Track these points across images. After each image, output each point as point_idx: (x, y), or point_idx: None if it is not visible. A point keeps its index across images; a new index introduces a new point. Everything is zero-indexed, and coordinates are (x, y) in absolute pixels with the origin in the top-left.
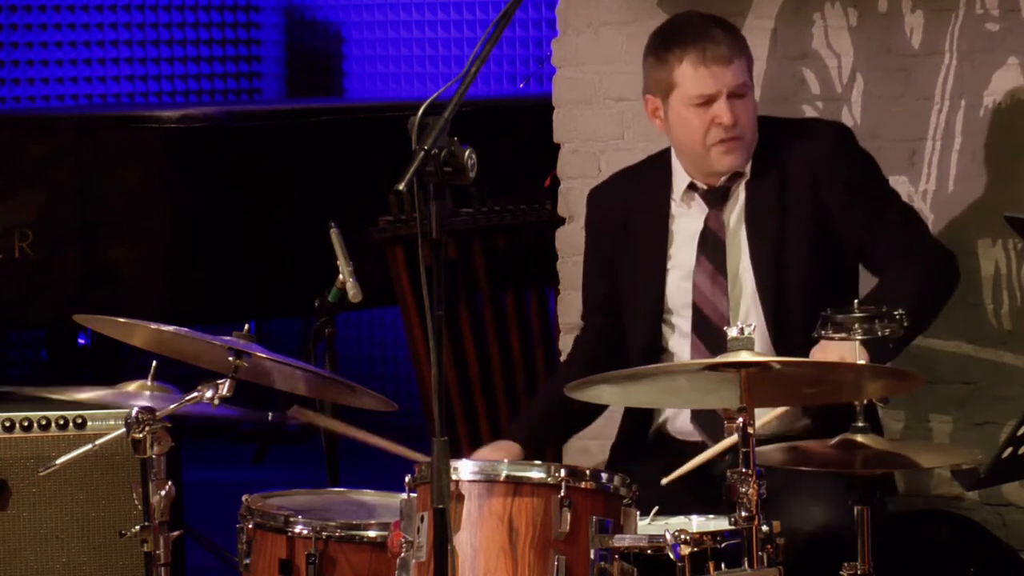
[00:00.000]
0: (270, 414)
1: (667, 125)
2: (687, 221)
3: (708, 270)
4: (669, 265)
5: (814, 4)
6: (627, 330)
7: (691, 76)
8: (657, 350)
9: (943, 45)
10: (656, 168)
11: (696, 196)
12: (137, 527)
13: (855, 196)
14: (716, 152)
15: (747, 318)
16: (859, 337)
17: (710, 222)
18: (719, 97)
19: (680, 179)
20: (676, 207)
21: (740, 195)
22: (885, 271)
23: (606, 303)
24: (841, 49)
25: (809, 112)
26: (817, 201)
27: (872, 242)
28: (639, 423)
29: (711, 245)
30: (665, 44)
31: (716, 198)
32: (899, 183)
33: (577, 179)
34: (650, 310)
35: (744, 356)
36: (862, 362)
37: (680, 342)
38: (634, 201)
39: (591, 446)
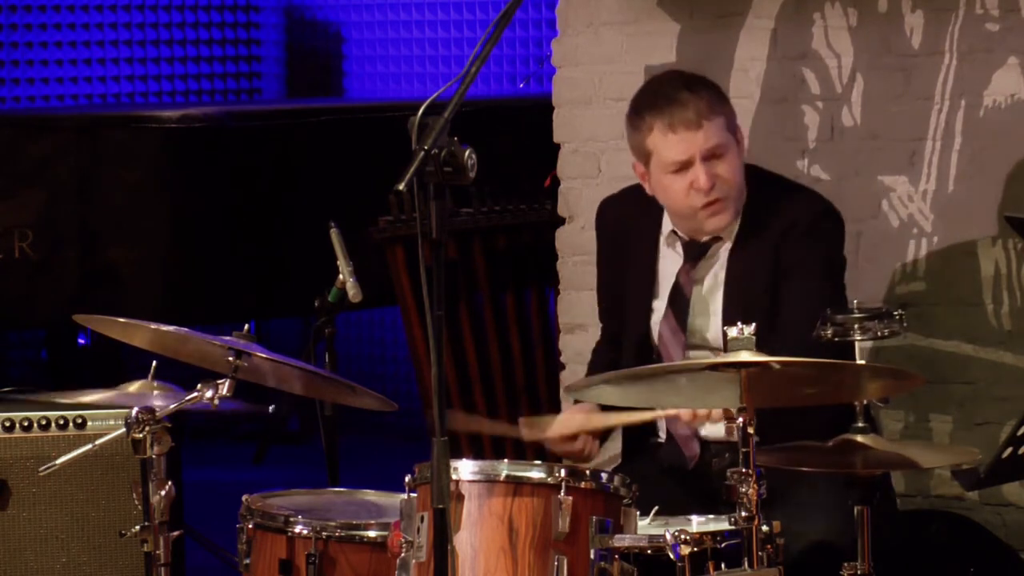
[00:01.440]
0: (271, 407)
1: (653, 190)
2: (670, 265)
3: (671, 324)
4: (654, 305)
5: (814, 4)
6: (623, 348)
7: (662, 143)
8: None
9: (943, 45)
10: (654, 201)
11: (678, 243)
12: (137, 527)
13: (805, 274)
14: (702, 215)
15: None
16: (858, 337)
17: (680, 277)
18: (693, 162)
19: (666, 222)
20: (663, 245)
21: (718, 257)
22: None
23: (616, 310)
24: (841, 49)
25: (809, 112)
26: (775, 262)
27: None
28: (639, 429)
29: (678, 300)
30: (638, 111)
31: (693, 253)
32: (899, 183)
33: (577, 179)
34: (638, 340)
35: (744, 356)
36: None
37: None
38: (635, 224)
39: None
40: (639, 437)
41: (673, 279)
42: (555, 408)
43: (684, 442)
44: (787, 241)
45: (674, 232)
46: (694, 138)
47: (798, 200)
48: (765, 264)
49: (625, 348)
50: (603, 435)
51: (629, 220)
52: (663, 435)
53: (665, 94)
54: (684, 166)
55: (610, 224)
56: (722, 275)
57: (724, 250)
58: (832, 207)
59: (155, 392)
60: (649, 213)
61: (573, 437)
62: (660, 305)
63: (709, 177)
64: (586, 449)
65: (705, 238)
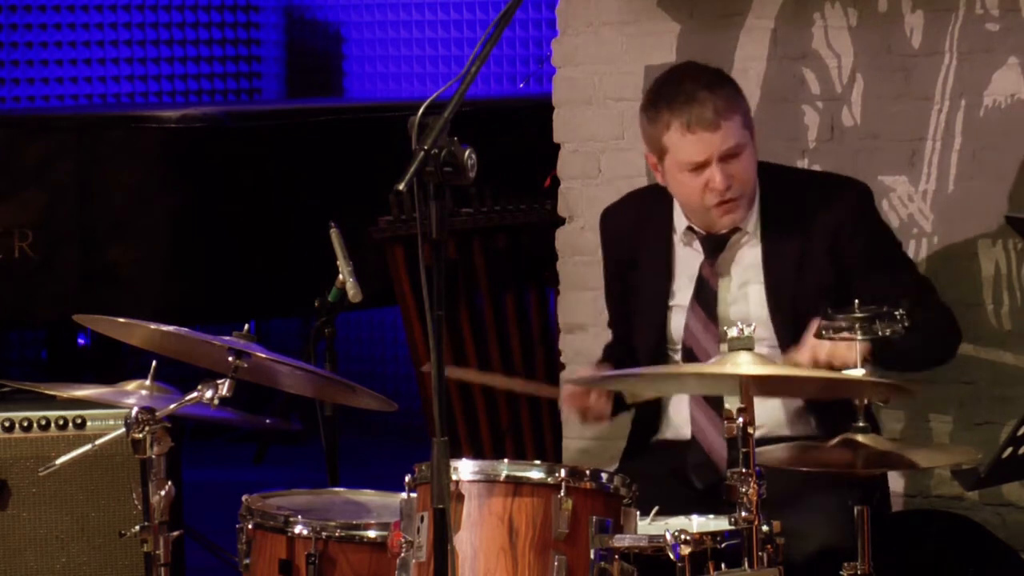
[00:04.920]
0: (267, 420)
1: (666, 182)
2: (688, 260)
3: (701, 317)
4: (671, 303)
5: (814, 4)
6: (638, 354)
7: (679, 143)
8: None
9: (943, 45)
10: (663, 199)
11: (695, 239)
12: (137, 527)
13: (876, 263)
14: (715, 213)
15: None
16: (859, 337)
17: (704, 270)
18: (710, 162)
19: (680, 219)
20: (678, 242)
21: (740, 247)
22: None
23: (626, 316)
24: (841, 49)
25: (809, 112)
26: (837, 263)
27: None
28: (647, 428)
29: (705, 294)
30: (655, 104)
31: (712, 247)
32: (899, 183)
33: (577, 179)
34: (653, 343)
35: (744, 358)
36: (859, 372)
37: None
38: (642, 228)
39: (591, 446)
40: (643, 437)
41: (695, 275)
42: (555, 408)
43: (712, 448)
44: (839, 240)
45: (690, 229)
46: (712, 139)
47: (829, 190)
48: (818, 264)
49: (640, 350)
50: (616, 402)
51: (635, 224)
52: (676, 434)
53: (684, 91)
54: (701, 166)
55: (615, 231)
56: (754, 272)
57: (745, 241)
58: (860, 183)
59: (155, 392)
60: (657, 214)
61: (586, 392)
62: (680, 302)
63: (725, 178)
64: (598, 407)
65: (723, 231)
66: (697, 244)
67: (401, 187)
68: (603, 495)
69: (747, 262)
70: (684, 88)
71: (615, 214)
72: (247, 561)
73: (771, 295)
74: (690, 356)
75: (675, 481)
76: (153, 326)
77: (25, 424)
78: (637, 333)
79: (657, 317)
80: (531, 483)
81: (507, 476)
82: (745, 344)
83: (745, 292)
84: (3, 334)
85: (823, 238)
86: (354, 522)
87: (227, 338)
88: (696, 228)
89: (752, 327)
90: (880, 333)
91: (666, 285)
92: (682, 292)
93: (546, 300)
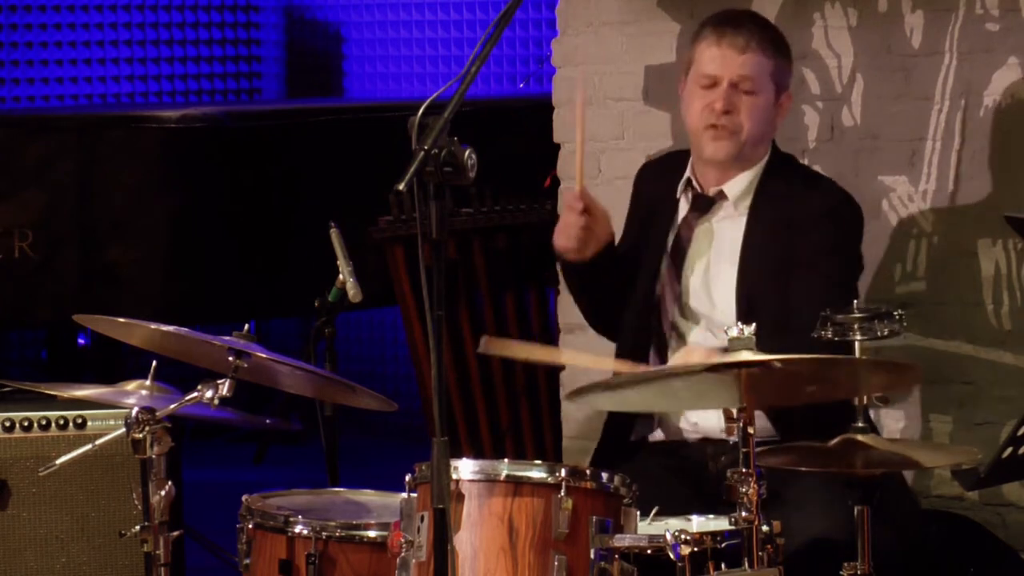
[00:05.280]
0: (267, 420)
1: (683, 104)
2: (681, 217)
3: (671, 271)
4: (664, 261)
5: (814, 4)
6: (628, 308)
7: (704, 54)
8: (646, 334)
9: (943, 45)
10: (684, 156)
11: (689, 193)
12: (137, 527)
13: (807, 265)
14: (706, 136)
15: (705, 326)
16: (858, 337)
17: (682, 227)
18: (721, 83)
19: (688, 171)
20: (680, 197)
21: (719, 215)
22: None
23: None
24: (841, 49)
25: (809, 112)
26: (794, 259)
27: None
28: (621, 427)
29: (678, 250)
30: (702, 22)
31: (699, 206)
32: (899, 183)
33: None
34: (643, 297)
35: (745, 356)
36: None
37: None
38: (664, 185)
39: (591, 446)
40: (617, 438)
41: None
42: (555, 407)
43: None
44: (802, 227)
45: (688, 181)
46: (732, 60)
47: (820, 188)
48: (780, 246)
49: (629, 308)
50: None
51: (660, 182)
52: (664, 435)
53: (734, 17)
54: (713, 84)
55: (645, 186)
56: (729, 245)
57: (724, 210)
58: (850, 199)
59: (155, 392)
60: (678, 171)
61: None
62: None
63: (727, 103)
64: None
65: (712, 191)
66: (688, 198)
67: (401, 187)
68: (603, 495)
69: (724, 236)
70: (736, 15)
71: (650, 170)
72: (247, 561)
73: (740, 281)
74: (659, 312)
75: (676, 480)
76: (153, 326)
77: (25, 424)
78: (634, 286)
79: (652, 273)
80: (531, 483)
81: (507, 476)
82: (745, 344)
83: (714, 266)
84: (3, 334)
85: (788, 223)
86: (354, 522)
87: (227, 338)
88: (693, 181)
89: (752, 327)
90: (879, 333)
91: (664, 243)
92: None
93: (546, 300)
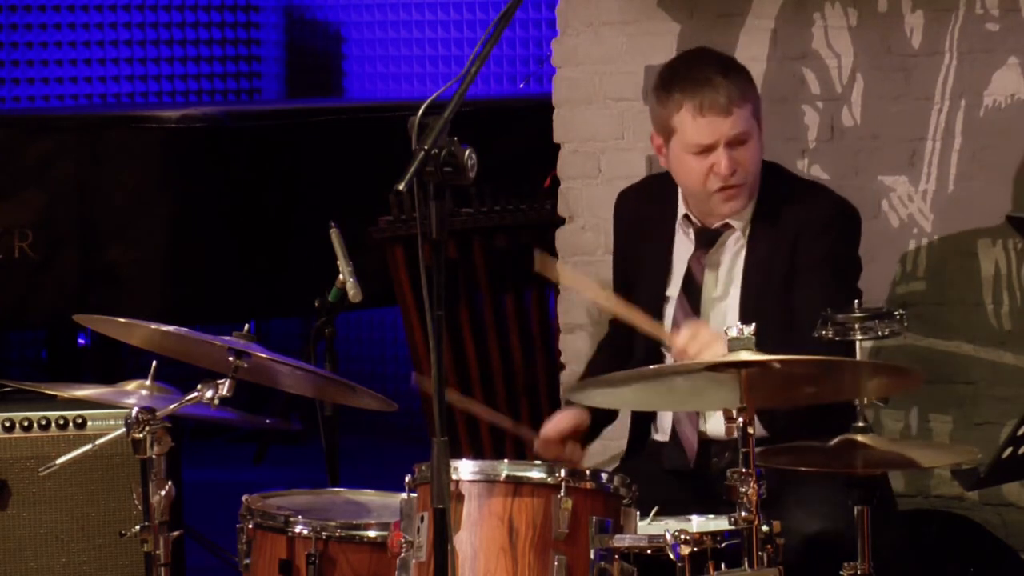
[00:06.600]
0: (267, 420)
1: (669, 165)
2: (683, 251)
3: (686, 309)
4: (667, 292)
5: (814, 4)
6: (635, 338)
7: (689, 125)
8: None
9: (943, 45)
10: (670, 185)
11: (690, 230)
12: (137, 527)
13: (808, 273)
14: (716, 199)
15: None
16: (859, 337)
17: (692, 264)
18: (717, 146)
19: (681, 206)
20: (678, 231)
21: (727, 247)
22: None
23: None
24: (841, 49)
25: (809, 112)
26: (793, 270)
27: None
28: (643, 427)
29: (691, 287)
30: (666, 86)
31: (704, 240)
32: (899, 183)
33: (577, 179)
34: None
35: (744, 356)
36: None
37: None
38: (652, 214)
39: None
40: (642, 436)
41: (685, 265)
42: (555, 408)
43: (685, 440)
44: (802, 237)
45: (687, 217)
46: (722, 124)
47: (816, 197)
48: (783, 260)
49: (636, 338)
50: (587, 437)
51: (645, 210)
52: (666, 435)
53: (698, 75)
54: (708, 149)
55: (627, 215)
56: (739, 268)
57: (734, 239)
58: (849, 206)
59: (155, 392)
60: (666, 200)
61: (561, 443)
62: (674, 292)
63: (731, 163)
64: (573, 455)
65: (716, 224)
66: (692, 234)
67: (401, 187)
68: (603, 495)
69: (733, 262)
70: (699, 71)
71: (630, 198)
72: (247, 561)
73: (744, 299)
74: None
75: (672, 481)
76: (153, 326)
77: (25, 424)
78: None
79: (655, 303)
80: (531, 483)
81: (507, 476)
82: (745, 344)
83: (728, 292)
84: (3, 334)
85: (789, 234)
86: (354, 522)
87: (227, 338)
88: (692, 217)
89: (751, 327)
90: (880, 333)
91: (664, 274)
92: (675, 282)
93: (546, 300)
